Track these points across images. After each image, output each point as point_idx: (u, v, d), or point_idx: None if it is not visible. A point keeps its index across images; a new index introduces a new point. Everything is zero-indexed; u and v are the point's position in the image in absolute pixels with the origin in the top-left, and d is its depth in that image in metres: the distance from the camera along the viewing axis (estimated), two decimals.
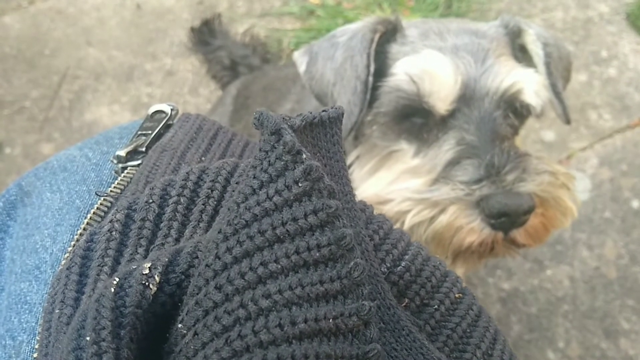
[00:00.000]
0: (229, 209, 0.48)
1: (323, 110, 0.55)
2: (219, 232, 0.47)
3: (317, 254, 0.45)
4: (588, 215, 2.40)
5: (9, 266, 0.80)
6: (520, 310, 2.21)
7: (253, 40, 2.73)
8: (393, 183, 1.27)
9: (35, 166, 0.85)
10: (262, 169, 0.47)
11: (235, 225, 0.46)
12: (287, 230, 0.45)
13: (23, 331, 0.69)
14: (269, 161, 0.47)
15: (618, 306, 2.21)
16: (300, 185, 0.46)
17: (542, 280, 2.26)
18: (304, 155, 0.46)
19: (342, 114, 0.57)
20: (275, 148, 0.47)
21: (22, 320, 0.70)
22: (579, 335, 2.15)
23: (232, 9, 3.10)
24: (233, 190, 0.60)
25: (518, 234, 1.18)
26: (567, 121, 1.41)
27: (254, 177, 0.47)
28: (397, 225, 1.15)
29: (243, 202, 0.47)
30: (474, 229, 1.15)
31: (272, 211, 0.46)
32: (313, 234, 0.45)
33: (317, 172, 0.46)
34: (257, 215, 0.46)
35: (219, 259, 0.46)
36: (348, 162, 1.40)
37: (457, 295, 0.57)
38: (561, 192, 1.21)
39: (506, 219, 1.13)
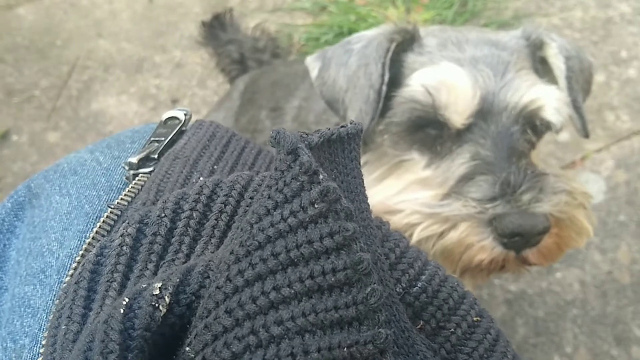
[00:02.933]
0: (242, 229, 0.47)
1: (341, 126, 0.54)
2: (230, 253, 0.46)
3: (333, 279, 0.43)
4: (602, 218, 2.36)
5: (14, 267, 0.79)
6: (526, 313, 2.19)
7: (263, 35, 2.72)
8: (402, 193, 1.25)
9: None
10: (277, 189, 0.46)
11: (248, 246, 0.45)
12: (301, 254, 0.44)
13: (25, 335, 0.68)
14: (285, 181, 0.45)
15: (631, 312, 2.17)
16: (316, 206, 0.44)
17: (551, 283, 2.23)
18: (321, 176, 0.45)
19: (361, 130, 0.56)
20: (292, 168, 0.45)
21: (25, 324, 0.69)
22: (588, 341, 2.12)
23: (244, 4, 3.10)
24: (247, 206, 0.59)
25: (530, 254, 1.15)
26: (586, 135, 1.39)
27: (269, 197, 0.46)
28: None
29: (257, 223, 0.46)
30: (484, 247, 1.13)
31: (286, 233, 0.45)
32: (328, 258, 0.44)
33: (334, 194, 0.44)
34: (271, 237, 0.45)
35: (230, 281, 0.45)
36: None
37: (474, 319, 0.55)
38: (577, 212, 1.19)
39: (519, 239, 1.11)
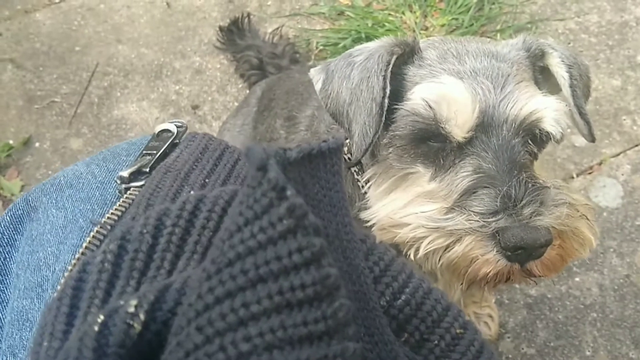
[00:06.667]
0: (215, 246, 0.47)
1: (323, 142, 0.54)
2: (203, 270, 0.46)
3: (301, 294, 0.43)
4: (619, 222, 2.35)
5: (14, 281, 0.80)
6: (546, 316, 2.18)
7: (282, 40, 2.74)
8: (407, 206, 1.26)
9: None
10: (247, 205, 0.46)
11: (219, 263, 0.45)
12: (270, 270, 0.44)
13: (23, 348, 0.69)
14: (255, 198, 0.45)
15: None
16: (284, 222, 0.44)
17: (570, 287, 2.22)
18: (289, 192, 0.45)
19: (342, 144, 0.56)
20: (261, 184, 0.45)
21: (23, 337, 0.70)
22: (607, 344, 2.12)
23: (262, 9, 3.11)
24: None
25: (534, 266, 1.16)
26: (592, 140, 1.39)
27: (240, 214, 0.46)
28: (411, 251, 1.15)
29: (228, 240, 0.46)
30: (489, 261, 1.14)
31: (256, 250, 0.45)
32: (297, 273, 0.44)
33: (301, 209, 0.44)
34: (241, 254, 0.45)
35: (201, 298, 0.45)
36: (364, 178, 1.41)
37: (458, 331, 0.55)
38: (579, 224, 1.19)
39: (522, 252, 1.12)
